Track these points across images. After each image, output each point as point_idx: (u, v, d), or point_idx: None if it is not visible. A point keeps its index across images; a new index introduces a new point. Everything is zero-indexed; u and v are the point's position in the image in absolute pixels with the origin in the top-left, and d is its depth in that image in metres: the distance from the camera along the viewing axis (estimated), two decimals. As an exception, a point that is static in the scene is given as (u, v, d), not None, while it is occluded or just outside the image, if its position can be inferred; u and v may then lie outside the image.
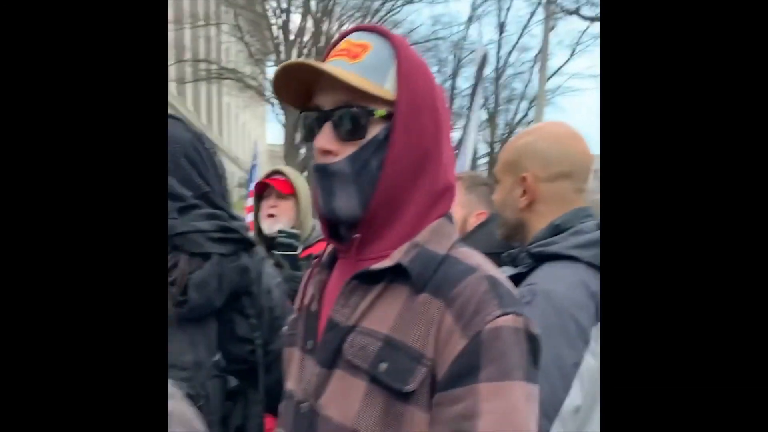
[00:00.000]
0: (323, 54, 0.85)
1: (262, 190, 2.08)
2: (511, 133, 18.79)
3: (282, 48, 14.96)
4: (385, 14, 16.53)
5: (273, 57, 15.56)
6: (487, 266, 0.79)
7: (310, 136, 0.83)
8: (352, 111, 0.78)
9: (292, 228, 1.97)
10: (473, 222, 1.81)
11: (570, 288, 1.08)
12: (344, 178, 0.79)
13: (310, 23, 15.37)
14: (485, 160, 18.33)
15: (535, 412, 0.75)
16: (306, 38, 15.37)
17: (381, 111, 0.78)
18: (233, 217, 1.16)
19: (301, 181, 2.08)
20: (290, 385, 0.89)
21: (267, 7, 14.95)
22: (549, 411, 1.02)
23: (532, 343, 0.76)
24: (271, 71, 17.34)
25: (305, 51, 15.35)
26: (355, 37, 0.82)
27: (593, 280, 1.10)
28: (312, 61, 0.78)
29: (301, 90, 0.82)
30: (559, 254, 1.13)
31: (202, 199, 1.10)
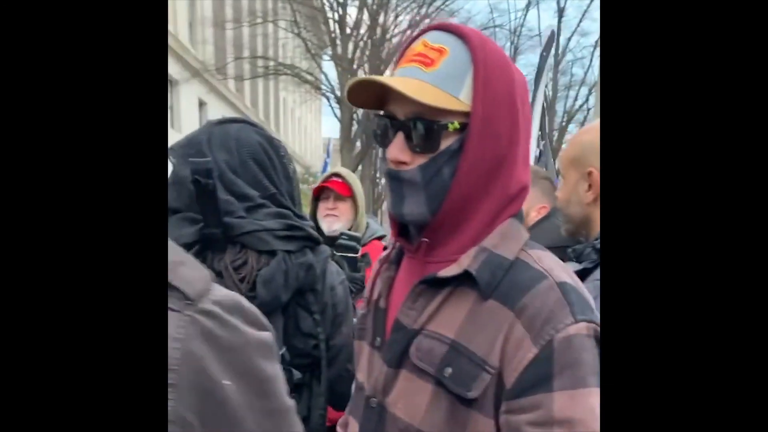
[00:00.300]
0: (380, 46, 0.86)
1: (319, 193, 2.15)
2: (570, 120, 18.24)
3: (338, 41, 15.08)
4: (442, 4, 16.36)
5: (329, 51, 15.71)
6: (558, 270, 0.78)
7: (382, 141, 0.83)
8: (425, 125, 0.77)
9: (350, 228, 2.04)
10: (534, 216, 1.80)
11: None
12: (414, 186, 0.79)
13: (366, 16, 15.42)
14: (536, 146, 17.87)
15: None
16: (362, 31, 15.44)
17: (455, 124, 0.77)
18: (300, 217, 1.19)
19: (357, 184, 2.16)
20: (360, 377, 0.91)
21: (324, 1, 15.10)
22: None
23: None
24: (327, 65, 17.56)
25: (361, 44, 15.43)
26: (431, 39, 0.80)
27: None
28: (384, 79, 0.77)
29: (376, 95, 0.82)
30: None
31: (269, 199, 1.13)
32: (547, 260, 0.79)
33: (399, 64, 0.82)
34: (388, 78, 0.78)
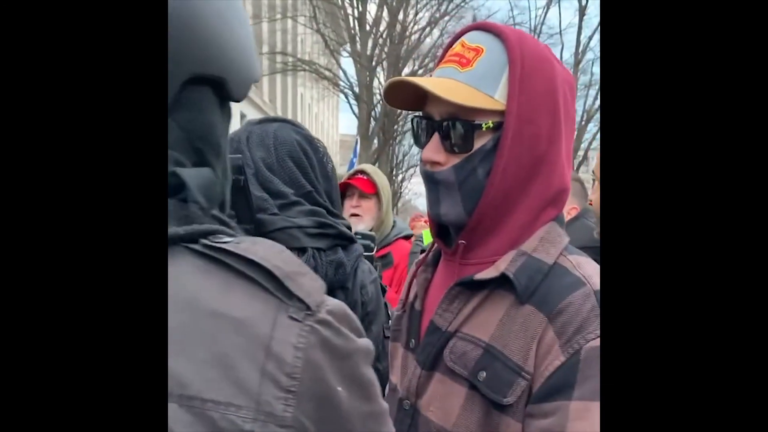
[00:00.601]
0: (399, 43, 0.85)
1: (344, 189, 2.11)
2: (589, 119, 18.04)
3: (358, 38, 15.06)
4: (462, 1, 16.25)
5: (348, 47, 15.70)
6: (597, 278, 0.76)
7: (418, 142, 0.84)
8: (459, 125, 0.77)
9: (372, 228, 2.02)
10: (565, 217, 1.80)
11: None
12: (449, 186, 0.79)
13: (385, 13, 15.38)
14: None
15: None
16: (381, 28, 15.40)
17: (488, 123, 0.77)
18: (335, 215, 1.20)
19: (382, 180, 2.13)
20: (394, 379, 0.92)
21: (343, -3, 15.10)
22: None
23: None
24: (345, 62, 17.57)
25: (380, 41, 15.39)
26: (469, 39, 0.80)
27: None
28: (416, 79, 0.78)
29: (414, 96, 0.82)
30: None
31: (304, 197, 1.13)
32: (587, 267, 0.78)
33: (438, 65, 0.82)
34: (421, 79, 0.78)
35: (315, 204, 1.16)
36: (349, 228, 1.26)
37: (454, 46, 0.81)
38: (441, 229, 0.88)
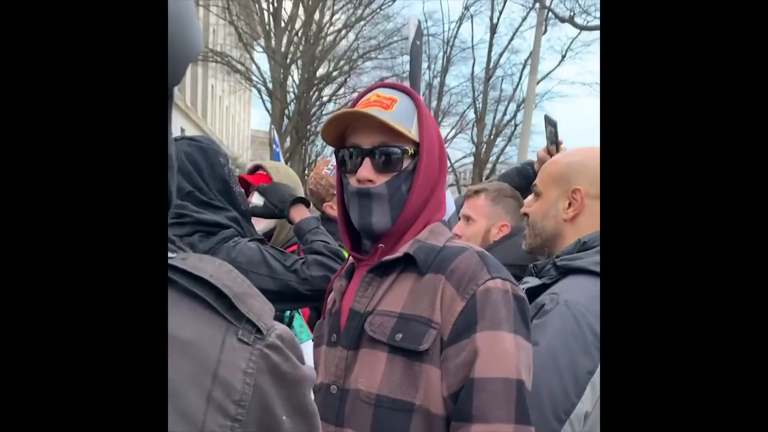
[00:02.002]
0: (314, 43, 0.91)
1: (245, 186, 1.99)
2: (498, 134, 18.86)
3: (272, 34, 14.80)
4: (377, 7, 16.45)
5: (262, 42, 15.39)
6: (476, 246, 1.00)
7: (348, 167, 1.03)
8: (390, 149, 1.00)
9: (274, 227, 1.96)
10: (495, 233, 1.84)
11: (591, 300, 1.12)
12: (381, 199, 1.00)
13: (301, 11, 15.23)
14: (470, 159, 18.42)
15: (524, 361, 0.90)
16: (297, 26, 15.23)
17: (411, 150, 1.01)
18: (217, 207, 1.45)
19: (284, 176, 1.99)
20: (319, 379, 1.02)
21: (259, -9, 14.78)
22: (560, 413, 1.06)
23: (519, 303, 0.93)
24: (259, 57, 17.20)
25: (295, 39, 15.23)
26: (383, 92, 1.04)
27: None
28: (366, 110, 1.00)
29: (339, 133, 1.04)
30: (584, 269, 1.19)
31: (186, 197, 1.33)
32: (467, 244, 1.01)
33: (359, 106, 1.03)
34: (366, 110, 1.00)
35: (196, 201, 1.40)
36: (235, 220, 1.47)
37: (369, 97, 1.04)
38: (355, 243, 1.08)
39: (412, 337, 0.91)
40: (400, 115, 1.00)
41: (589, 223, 1.26)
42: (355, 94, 1.12)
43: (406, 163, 1.01)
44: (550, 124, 1.93)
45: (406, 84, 1.35)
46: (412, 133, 1.01)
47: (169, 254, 0.45)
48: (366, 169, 1.00)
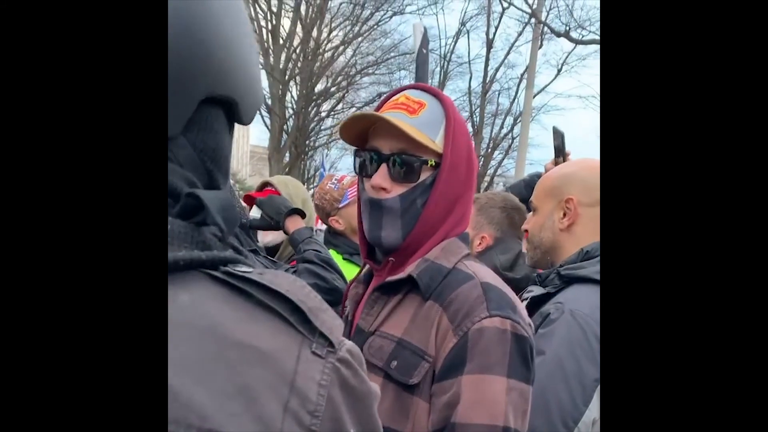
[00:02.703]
0: (312, 59, 0.93)
1: (252, 204, 2.01)
2: (495, 147, 18.93)
3: (271, 51, 14.93)
4: (375, 24, 16.62)
5: (261, 59, 15.51)
6: (486, 276, 0.92)
7: (365, 171, 0.97)
8: (409, 158, 0.93)
9: (282, 240, 1.98)
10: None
11: (595, 309, 1.14)
12: (393, 213, 0.94)
13: (299, 29, 15.38)
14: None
15: (520, 408, 0.84)
16: (295, 43, 15.37)
17: (432, 161, 0.93)
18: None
19: (292, 190, 2.04)
20: None
21: (258, 9, 14.93)
22: (567, 421, 1.07)
23: (519, 343, 0.85)
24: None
25: (294, 56, 15.35)
26: (413, 94, 0.97)
27: None
28: (385, 115, 0.92)
29: (361, 132, 0.98)
30: (587, 278, 1.20)
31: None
32: (479, 268, 0.94)
33: (384, 109, 0.97)
34: (386, 114, 0.93)
35: None
36: (236, 232, 1.42)
37: (397, 98, 0.97)
38: (370, 251, 1.02)
39: (404, 368, 0.88)
40: (425, 122, 0.94)
41: (585, 231, 1.29)
42: (354, 110, 1.07)
43: (426, 174, 0.94)
44: (558, 136, 1.94)
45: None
46: (436, 143, 0.94)
47: (246, 269, 0.47)
48: (381, 177, 0.94)
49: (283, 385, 0.43)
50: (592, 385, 1.08)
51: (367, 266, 1.05)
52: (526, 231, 1.40)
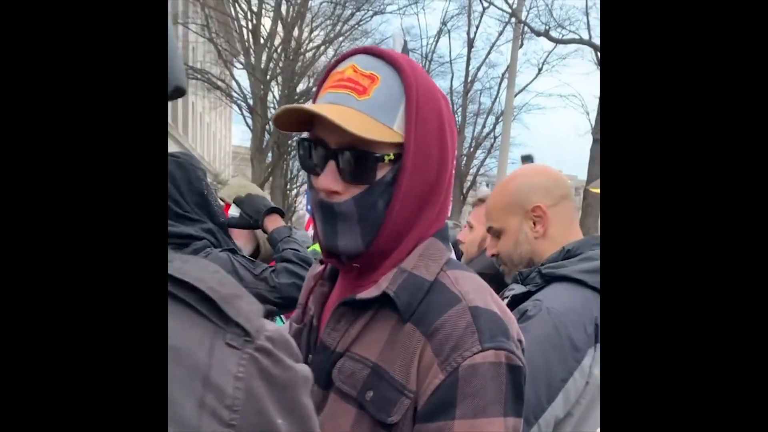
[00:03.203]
0: (294, 59, 0.84)
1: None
2: (477, 146, 19.03)
3: (252, 51, 14.84)
4: (356, 23, 16.60)
5: (242, 59, 15.41)
6: (474, 294, 0.77)
7: (308, 166, 0.79)
8: (360, 156, 0.74)
9: (252, 251, 1.95)
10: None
11: (572, 309, 1.15)
12: (349, 219, 0.77)
13: (280, 28, 15.31)
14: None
15: None
16: (276, 42, 15.30)
17: (390, 155, 0.75)
18: (192, 219, 1.51)
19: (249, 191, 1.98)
20: None
21: (238, 9, 14.83)
22: (529, 416, 1.08)
23: (514, 375, 0.74)
24: (239, 73, 17.19)
25: (275, 55, 15.27)
26: (361, 64, 0.76)
27: (595, 305, 1.17)
28: (317, 108, 0.73)
29: (302, 118, 0.78)
30: (568, 277, 1.20)
31: None
32: (464, 283, 0.78)
33: (326, 87, 0.78)
34: (320, 107, 0.74)
35: (172, 215, 1.48)
36: (210, 231, 1.52)
37: (343, 70, 0.77)
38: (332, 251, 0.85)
39: (381, 403, 0.75)
40: (378, 104, 0.74)
41: (560, 230, 1.29)
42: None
43: (384, 171, 0.76)
44: (528, 160, 1.96)
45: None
46: (395, 129, 0.75)
47: None
48: (329, 178, 0.76)
49: (197, 381, 0.42)
50: (558, 384, 1.10)
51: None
52: (495, 255, 1.37)
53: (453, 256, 0.85)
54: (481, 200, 1.98)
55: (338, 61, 0.80)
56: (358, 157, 0.75)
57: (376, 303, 0.78)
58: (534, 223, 1.30)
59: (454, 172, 0.86)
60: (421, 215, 0.79)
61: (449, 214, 0.89)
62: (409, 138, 0.75)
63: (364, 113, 0.73)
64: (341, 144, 0.75)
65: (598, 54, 10.56)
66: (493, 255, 1.38)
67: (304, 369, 0.49)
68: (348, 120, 0.71)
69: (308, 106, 0.74)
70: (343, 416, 0.78)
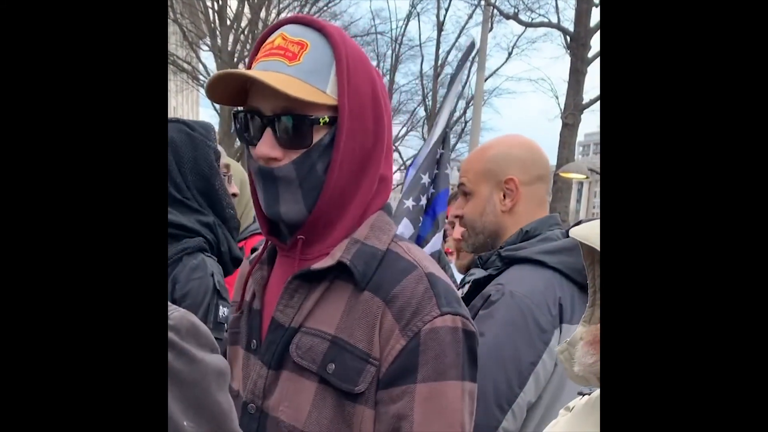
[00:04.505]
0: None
1: None
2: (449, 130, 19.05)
3: (218, 33, 14.51)
4: (324, 5, 16.36)
5: (208, 41, 15.06)
6: (426, 262, 0.80)
7: (246, 138, 0.80)
8: (295, 120, 0.76)
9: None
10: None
11: (535, 291, 1.15)
12: (290, 183, 0.77)
13: (246, 9, 14.99)
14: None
15: (470, 409, 0.77)
16: (243, 24, 14.97)
17: (325, 118, 0.77)
18: (193, 209, 1.28)
19: (238, 174, 1.98)
20: (235, 384, 0.87)
21: (203, -11, 14.46)
22: (502, 403, 1.08)
23: (469, 340, 0.77)
24: (205, 56, 16.82)
25: (242, 37, 14.96)
26: (291, 32, 0.78)
27: (558, 285, 1.17)
28: (251, 72, 0.74)
29: (237, 90, 0.79)
30: (528, 258, 1.20)
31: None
32: (416, 251, 0.82)
33: (258, 58, 0.79)
34: (255, 71, 0.75)
35: (169, 200, 1.21)
36: (209, 225, 1.30)
37: (273, 40, 0.78)
38: (272, 227, 0.86)
39: (346, 374, 0.75)
40: (309, 69, 0.76)
41: (527, 210, 1.28)
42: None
43: (321, 134, 0.77)
44: None
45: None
46: (328, 93, 0.76)
47: None
48: (267, 145, 0.77)
49: None
50: (528, 368, 1.10)
51: (270, 243, 0.89)
52: (458, 216, 1.37)
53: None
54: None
55: (268, 33, 0.81)
56: (293, 121, 0.76)
57: (330, 275, 0.79)
58: (504, 196, 1.28)
59: (393, 150, 0.88)
60: (361, 182, 0.80)
61: (391, 192, 0.90)
62: (343, 100, 0.76)
63: (296, 77, 0.75)
64: (276, 110, 0.76)
65: (567, 38, 10.65)
66: (457, 216, 1.38)
67: (217, 361, 0.45)
68: (281, 83, 0.73)
69: (240, 70, 0.76)
70: (304, 393, 0.77)
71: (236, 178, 2.01)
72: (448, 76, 18.87)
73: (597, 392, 0.81)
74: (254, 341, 0.85)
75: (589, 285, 0.80)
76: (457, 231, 1.86)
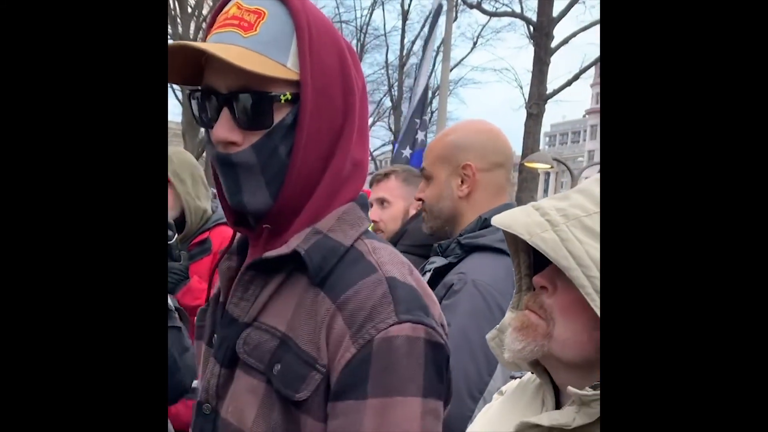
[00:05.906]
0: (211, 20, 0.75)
1: None
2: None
3: (179, 20, 14.16)
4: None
5: (170, 29, 14.69)
6: (391, 266, 0.71)
7: (202, 120, 0.73)
8: (253, 97, 0.68)
9: (178, 216, 1.88)
10: (413, 213, 1.83)
11: (497, 278, 1.16)
12: (251, 169, 0.70)
13: (209, -4, 14.68)
14: (389, 147, 18.55)
15: (432, 429, 0.67)
16: (204, 11, 14.65)
17: (286, 95, 0.69)
18: None
19: (177, 165, 1.90)
20: (197, 382, 0.82)
21: (162, -25, 14.07)
22: (474, 392, 1.10)
23: (434, 352, 0.68)
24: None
25: (204, 25, 14.65)
26: (246, 1, 0.70)
27: None
28: (200, 44, 0.67)
29: (189, 67, 0.71)
30: (488, 246, 1.20)
31: None
32: (382, 252, 0.73)
33: (212, 30, 0.72)
34: (206, 44, 0.68)
35: None
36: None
37: (228, 9, 0.71)
38: (239, 216, 0.78)
39: (288, 378, 0.68)
40: (267, 40, 0.68)
41: (484, 197, 1.29)
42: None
43: (283, 113, 0.70)
44: None
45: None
46: (288, 67, 0.69)
47: None
48: (224, 126, 0.69)
49: None
50: None
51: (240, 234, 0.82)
52: (420, 199, 1.38)
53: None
54: (386, 174, 1.94)
55: (224, 3, 0.73)
56: (251, 98, 0.68)
57: (287, 265, 0.72)
58: (462, 182, 1.29)
59: (369, 125, 0.80)
60: (330, 165, 0.73)
61: (366, 178, 0.82)
62: (305, 74, 0.69)
63: (252, 50, 0.68)
64: (232, 87, 0.69)
65: (531, 28, 10.76)
66: (419, 199, 1.38)
67: None
68: (234, 57, 0.65)
69: (190, 42, 0.68)
70: (251, 393, 0.70)
71: (179, 164, 1.93)
72: (414, 66, 18.91)
73: (528, 375, 0.83)
74: (215, 336, 0.78)
75: (514, 272, 0.80)
76: (374, 213, 1.88)
